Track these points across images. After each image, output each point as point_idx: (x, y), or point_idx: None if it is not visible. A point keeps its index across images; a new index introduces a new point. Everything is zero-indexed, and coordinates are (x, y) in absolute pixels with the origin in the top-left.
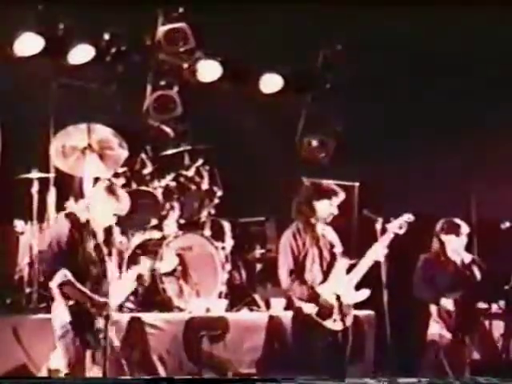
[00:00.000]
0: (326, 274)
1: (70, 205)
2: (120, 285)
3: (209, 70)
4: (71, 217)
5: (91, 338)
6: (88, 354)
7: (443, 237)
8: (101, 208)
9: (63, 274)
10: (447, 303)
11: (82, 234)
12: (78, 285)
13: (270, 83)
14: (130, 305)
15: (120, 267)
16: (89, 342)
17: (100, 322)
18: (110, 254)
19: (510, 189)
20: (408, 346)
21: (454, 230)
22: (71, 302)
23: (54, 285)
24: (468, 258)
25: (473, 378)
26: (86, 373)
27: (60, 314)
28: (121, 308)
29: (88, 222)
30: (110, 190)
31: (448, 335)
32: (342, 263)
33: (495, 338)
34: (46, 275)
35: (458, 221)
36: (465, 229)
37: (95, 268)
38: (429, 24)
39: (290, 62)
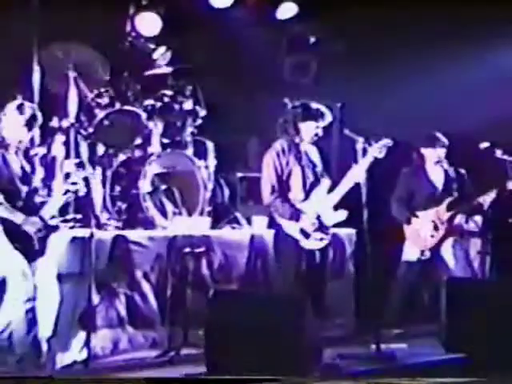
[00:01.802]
0: (307, 193)
1: None
2: (52, 200)
3: None
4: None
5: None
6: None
7: (422, 150)
8: (12, 125)
9: None
10: (418, 222)
11: (4, 155)
12: (7, 205)
13: None
14: (114, 222)
15: (104, 184)
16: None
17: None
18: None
19: (489, 111)
20: (385, 265)
21: (431, 142)
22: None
23: None
24: (450, 170)
25: None
26: None
27: None
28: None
29: (4, 139)
30: (20, 108)
31: (417, 253)
32: (324, 183)
33: (472, 256)
34: None
35: (434, 133)
36: (442, 141)
37: (23, 185)
38: None
39: None
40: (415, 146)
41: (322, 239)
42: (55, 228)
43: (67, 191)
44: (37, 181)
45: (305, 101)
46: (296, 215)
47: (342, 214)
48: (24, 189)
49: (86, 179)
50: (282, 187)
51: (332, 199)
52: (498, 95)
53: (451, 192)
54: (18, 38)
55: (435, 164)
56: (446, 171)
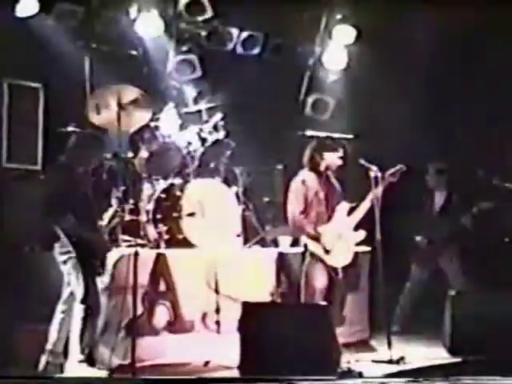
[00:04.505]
0: (330, 216)
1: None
2: (105, 222)
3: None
4: (64, 168)
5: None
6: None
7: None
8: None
9: (68, 219)
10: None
11: (77, 182)
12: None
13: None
14: (156, 242)
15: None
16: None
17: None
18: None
19: (485, 142)
20: (396, 279)
21: (431, 170)
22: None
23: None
24: (450, 194)
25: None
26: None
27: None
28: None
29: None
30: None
31: (423, 268)
32: (344, 206)
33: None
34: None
35: (434, 163)
36: (440, 169)
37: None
38: None
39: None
40: (419, 172)
41: (343, 257)
42: (109, 247)
43: (117, 215)
44: (94, 205)
45: (325, 133)
46: (320, 236)
47: (362, 234)
48: (87, 212)
49: (132, 204)
50: (307, 211)
51: (352, 220)
52: (495, 130)
53: (451, 212)
54: (75, 82)
55: (435, 189)
56: (446, 194)
